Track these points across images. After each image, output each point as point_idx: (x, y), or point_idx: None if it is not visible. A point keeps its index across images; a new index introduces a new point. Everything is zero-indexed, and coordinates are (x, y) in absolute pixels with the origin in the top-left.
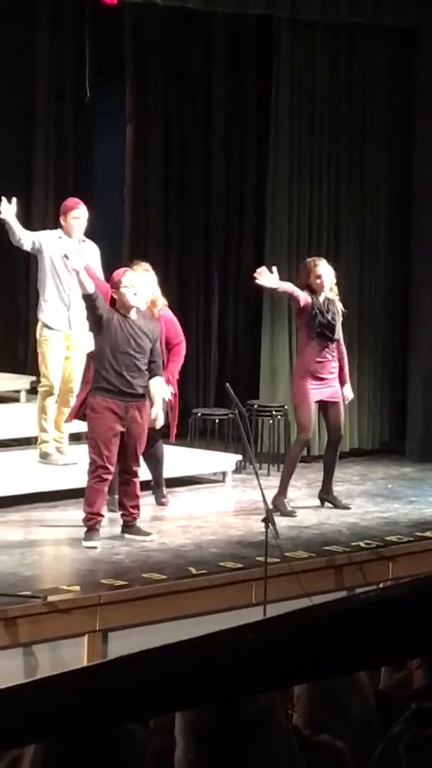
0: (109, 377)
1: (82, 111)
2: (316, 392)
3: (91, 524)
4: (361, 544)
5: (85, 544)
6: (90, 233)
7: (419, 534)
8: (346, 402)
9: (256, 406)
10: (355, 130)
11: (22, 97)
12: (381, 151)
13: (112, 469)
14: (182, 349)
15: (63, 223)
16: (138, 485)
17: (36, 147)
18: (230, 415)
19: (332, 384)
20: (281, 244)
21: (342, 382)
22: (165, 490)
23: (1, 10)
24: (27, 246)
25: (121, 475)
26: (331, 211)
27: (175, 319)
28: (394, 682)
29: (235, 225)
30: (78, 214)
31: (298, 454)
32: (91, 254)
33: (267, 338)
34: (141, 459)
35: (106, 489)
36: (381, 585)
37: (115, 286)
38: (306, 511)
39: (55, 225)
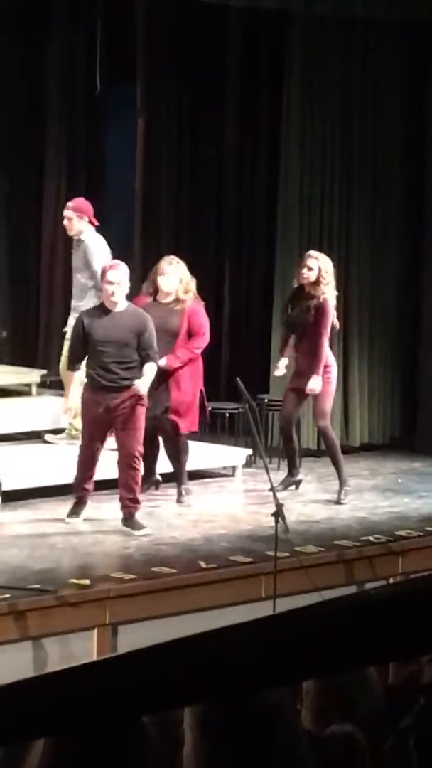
0: (92, 371)
1: (93, 104)
2: (292, 383)
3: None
4: (371, 538)
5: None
6: (102, 226)
7: (429, 529)
8: (307, 392)
9: (266, 401)
10: (368, 122)
11: (34, 90)
12: (393, 144)
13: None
14: (200, 341)
15: None
16: (133, 476)
17: (47, 140)
18: (240, 410)
19: (306, 376)
20: (293, 234)
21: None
22: (184, 489)
23: (14, 3)
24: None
25: (119, 465)
26: (342, 204)
27: (200, 311)
28: (405, 676)
29: (247, 219)
30: (65, 214)
31: (288, 450)
32: (83, 254)
33: (277, 333)
34: (140, 450)
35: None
36: (391, 580)
37: (102, 278)
38: (315, 506)
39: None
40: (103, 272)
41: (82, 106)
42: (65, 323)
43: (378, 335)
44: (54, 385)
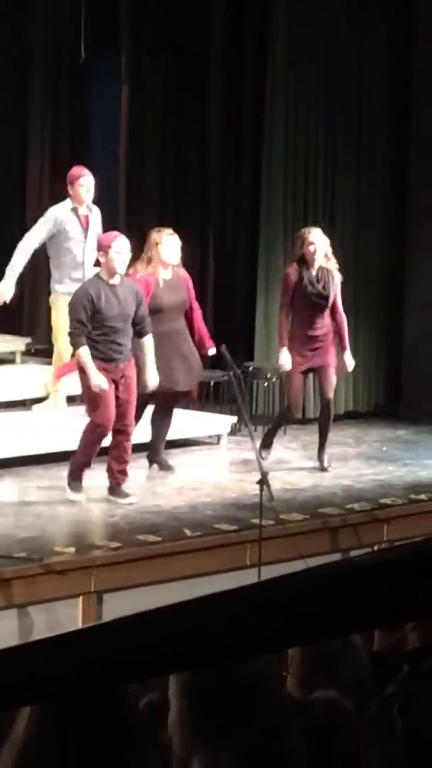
0: (98, 345)
1: (77, 72)
2: (303, 364)
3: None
4: (356, 506)
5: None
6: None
7: (413, 496)
8: (349, 370)
9: (251, 369)
10: (353, 88)
11: (17, 58)
12: (378, 113)
13: (110, 428)
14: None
15: (71, 192)
16: (127, 448)
17: (31, 108)
18: (225, 378)
19: (321, 352)
20: (277, 205)
21: (342, 349)
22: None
23: None
24: (39, 242)
25: (113, 436)
26: (327, 175)
27: None
28: (390, 643)
29: (231, 186)
30: (85, 182)
31: (282, 417)
32: (97, 221)
33: (262, 300)
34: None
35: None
36: (376, 547)
37: (104, 249)
38: (301, 473)
39: (50, 186)
40: (108, 243)
41: (67, 73)
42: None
43: (362, 304)
44: (39, 352)
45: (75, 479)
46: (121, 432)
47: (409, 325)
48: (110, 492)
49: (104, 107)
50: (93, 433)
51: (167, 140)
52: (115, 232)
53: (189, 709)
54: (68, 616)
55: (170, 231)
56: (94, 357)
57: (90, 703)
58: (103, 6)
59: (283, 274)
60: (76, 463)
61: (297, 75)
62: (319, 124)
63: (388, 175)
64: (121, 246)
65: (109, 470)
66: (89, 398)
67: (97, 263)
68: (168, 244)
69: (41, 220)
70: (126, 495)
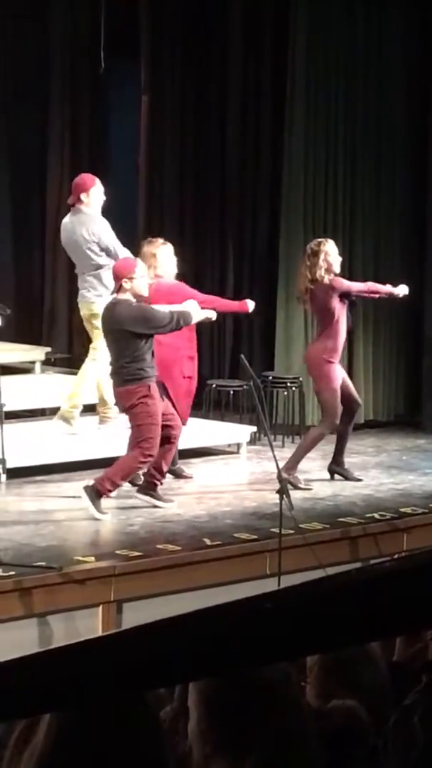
0: (148, 366)
1: (97, 82)
2: (339, 374)
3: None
4: (376, 515)
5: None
6: (105, 205)
7: None
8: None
9: (270, 378)
10: (372, 96)
11: (37, 69)
12: (398, 121)
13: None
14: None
15: (86, 200)
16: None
17: (51, 118)
18: (245, 387)
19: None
20: (297, 213)
21: (387, 287)
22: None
23: None
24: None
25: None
26: (347, 183)
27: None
28: (410, 653)
29: (250, 195)
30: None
31: (323, 437)
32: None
33: (282, 309)
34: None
35: None
36: (395, 556)
37: (127, 277)
38: (320, 483)
39: (70, 195)
40: (131, 269)
41: (86, 83)
42: (75, 303)
43: (382, 315)
44: (58, 362)
45: (99, 498)
46: (174, 441)
47: (429, 334)
48: (150, 495)
49: (123, 117)
50: (137, 463)
51: (186, 148)
52: (131, 258)
53: (208, 718)
54: (88, 626)
55: (162, 241)
56: (148, 381)
57: (109, 711)
58: (122, 17)
59: (332, 279)
60: (107, 485)
61: (317, 84)
62: (338, 133)
63: (408, 185)
64: (143, 270)
65: (162, 475)
66: (145, 427)
67: (119, 290)
68: (164, 255)
69: (107, 225)
70: (169, 500)
